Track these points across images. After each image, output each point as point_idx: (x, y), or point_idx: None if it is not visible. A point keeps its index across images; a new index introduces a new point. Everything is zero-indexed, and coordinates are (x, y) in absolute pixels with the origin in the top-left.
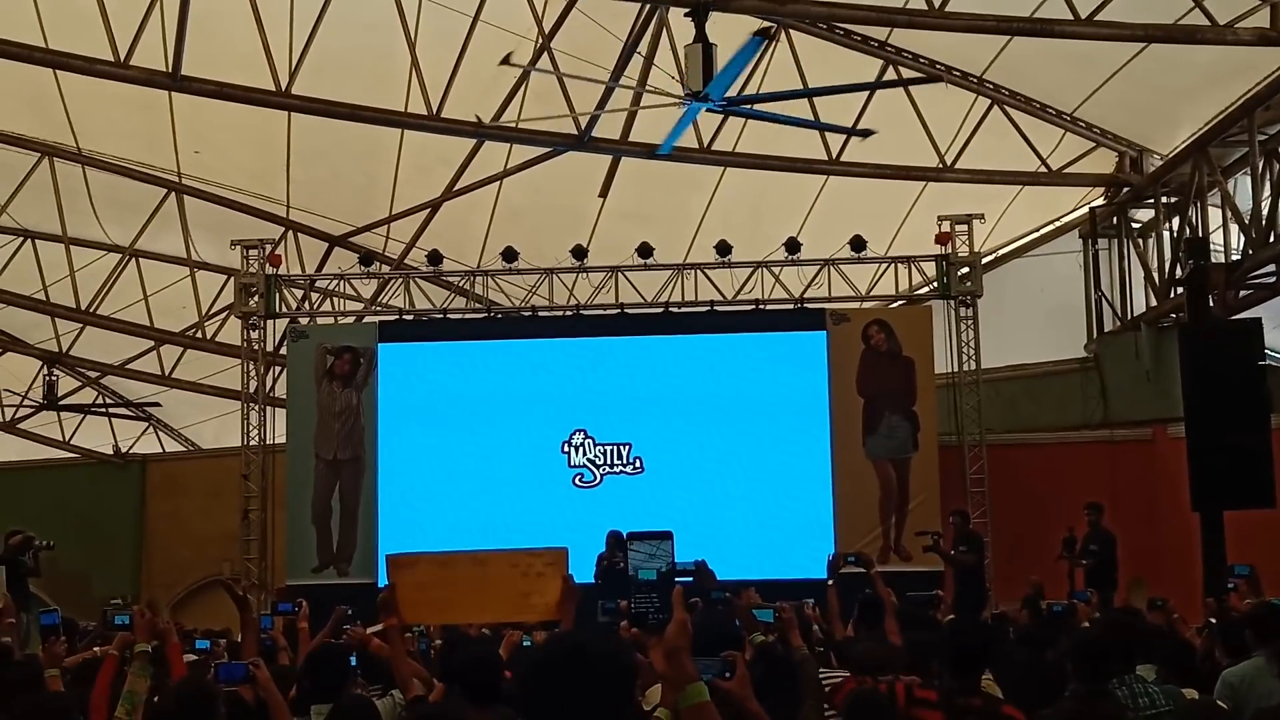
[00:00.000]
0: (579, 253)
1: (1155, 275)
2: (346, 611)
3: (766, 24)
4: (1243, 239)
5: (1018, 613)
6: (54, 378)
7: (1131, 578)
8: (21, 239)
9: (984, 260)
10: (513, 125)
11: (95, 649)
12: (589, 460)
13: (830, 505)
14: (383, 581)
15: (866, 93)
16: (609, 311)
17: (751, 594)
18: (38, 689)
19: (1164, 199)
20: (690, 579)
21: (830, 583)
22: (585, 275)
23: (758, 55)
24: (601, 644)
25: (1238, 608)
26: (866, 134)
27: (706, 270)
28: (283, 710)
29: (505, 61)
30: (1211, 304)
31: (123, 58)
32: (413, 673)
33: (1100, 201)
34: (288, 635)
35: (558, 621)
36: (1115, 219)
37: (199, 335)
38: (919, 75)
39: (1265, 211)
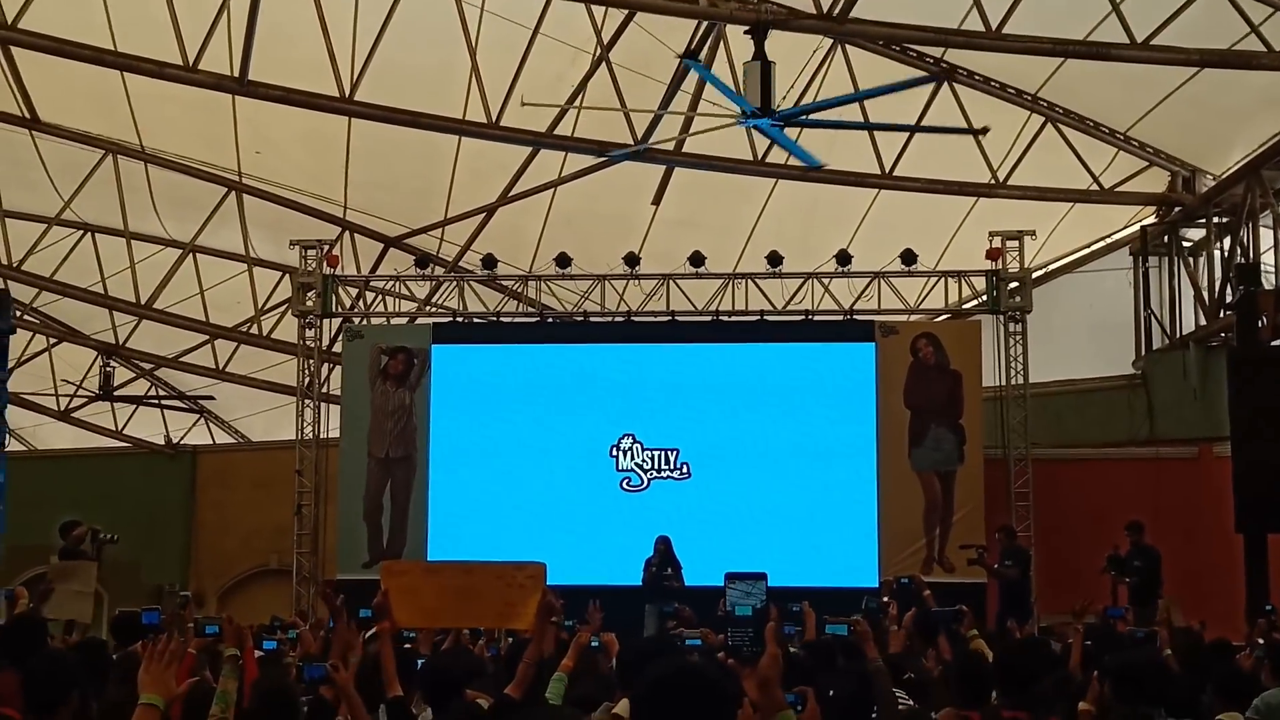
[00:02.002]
0: (631, 260)
1: (1205, 295)
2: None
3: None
4: None
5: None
6: (110, 369)
7: (1164, 598)
8: (82, 232)
9: (1034, 275)
10: (569, 135)
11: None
12: (637, 465)
13: (875, 515)
14: None
15: (921, 107)
16: (660, 318)
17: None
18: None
19: (1215, 219)
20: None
21: (885, 599)
22: (637, 282)
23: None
24: (713, 671)
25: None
26: (984, 131)
27: (757, 280)
28: (360, 710)
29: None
30: (1262, 324)
31: (191, 62)
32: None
33: (1151, 220)
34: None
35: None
36: (1166, 237)
37: (253, 330)
38: (963, 127)
39: None
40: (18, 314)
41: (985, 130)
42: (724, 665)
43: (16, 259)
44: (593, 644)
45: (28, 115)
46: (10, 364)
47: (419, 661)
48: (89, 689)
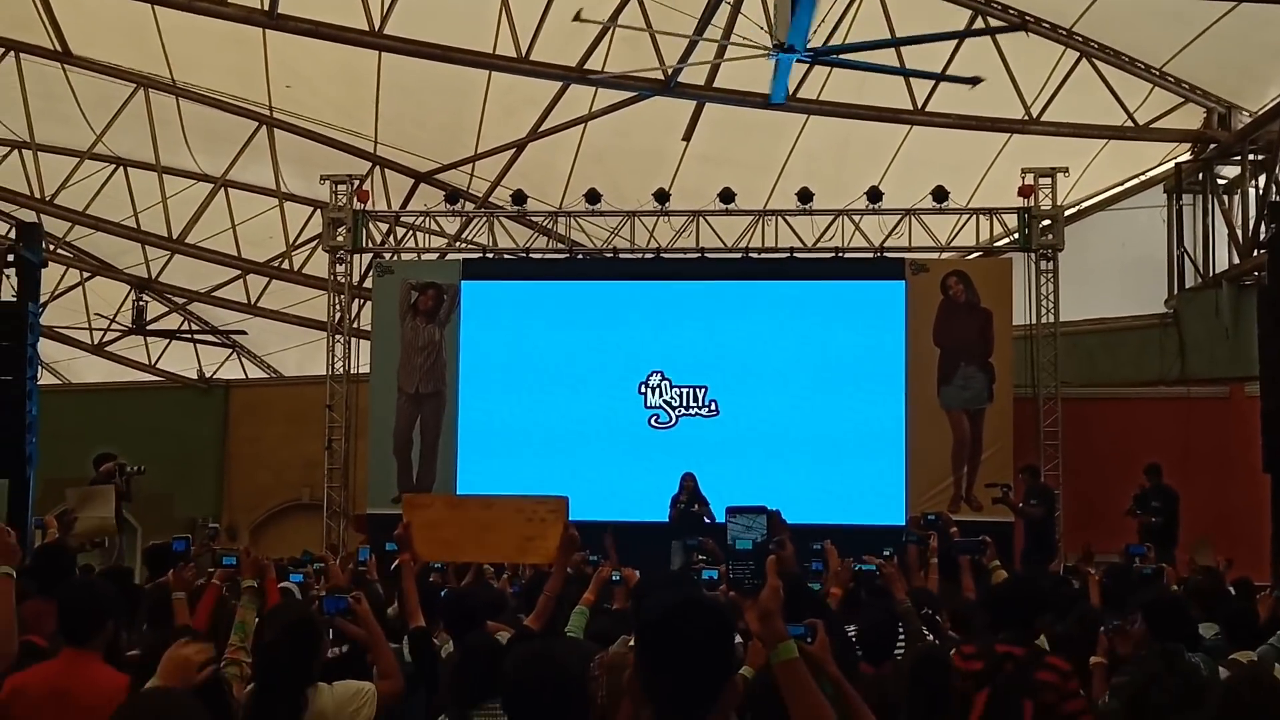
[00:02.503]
0: (661, 196)
1: (1239, 233)
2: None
3: None
4: None
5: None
6: (143, 303)
7: (1198, 537)
8: (115, 166)
9: (1066, 213)
10: (599, 70)
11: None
12: (665, 402)
13: (903, 453)
14: None
15: (953, 43)
16: (689, 255)
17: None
18: (166, 612)
19: (1251, 156)
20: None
21: (912, 538)
22: (666, 218)
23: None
24: (713, 603)
25: None
26: (976, 81)
27: (787, 217)
28: (382, 642)
29: (577, 18)
30: None
31: None
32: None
33: (1186, 157)
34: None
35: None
36: (1201, 175)
37: (284, 265)
38: (1004, 25)
39: None
40: (51, 248)
41: (978, 80)
42: (722, 600)
43: (49, 193)
44: (614, 578)
45: (59, 49)
46: (44, 298)
47: (442, 594)
48: (122, 619)
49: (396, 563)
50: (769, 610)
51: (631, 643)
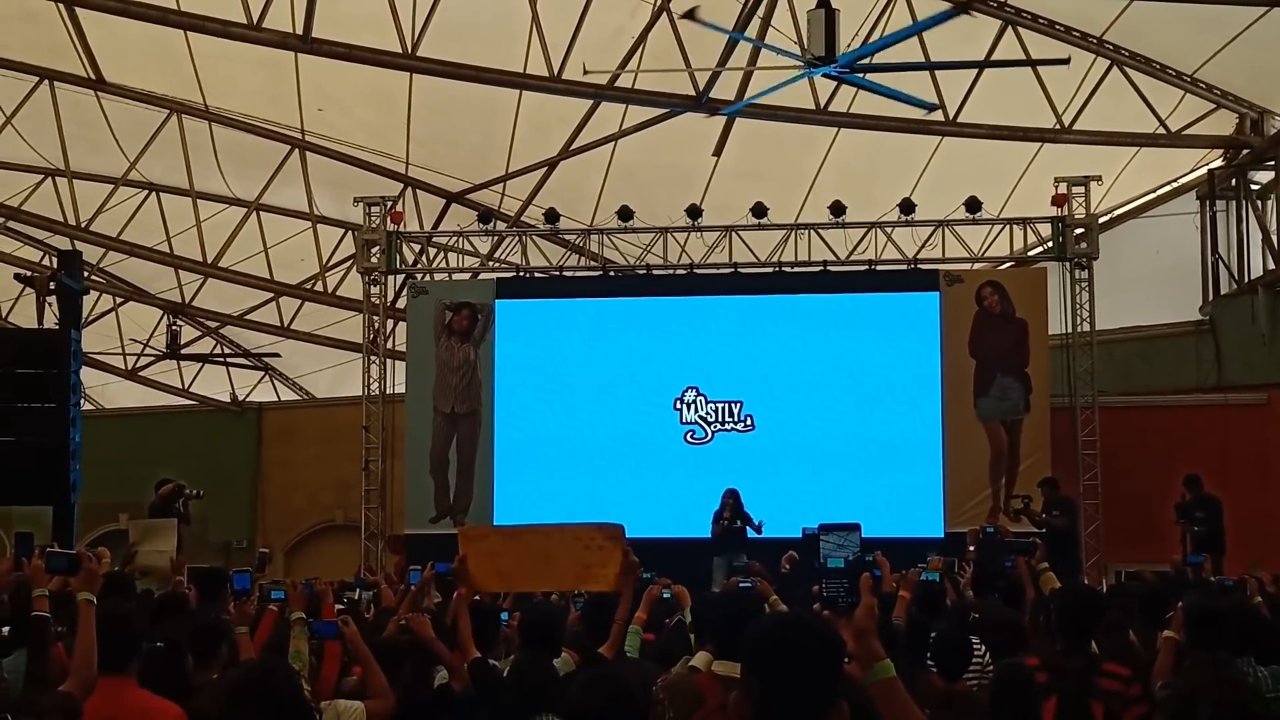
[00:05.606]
0: (693, 212)
1: (1274, 238)
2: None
3: None
4: None
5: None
6: (176, 327)
7: (1250, 560)
8: (148, 192)
9: (1100, 221)
10: (630, 88)
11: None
12: (701, 417)
13: (940, 465)
14: None
15: (985, 51)
16: (722, 270)
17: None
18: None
19: None
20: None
21: (971, 549)
22: (699, 234)
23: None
24: (820, 622)
25: None
26: (1065, 61)
27: (820, 230)
28: (371, 664)
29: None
30: None
31: (255, 20)
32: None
33: (1219, 163)
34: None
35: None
36: (1234, 180)
37: (317, 288)
38: (1039, 57)
39: None
40: (85, 274)
41: (1067, 60)
42: (825, 619)
43: (84, 219)
44: (664, 595)
45: (93, 76)
46: None
47: (502, 617)
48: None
49: (455, 594)
50: (864, 629)
51: (692, 662)
